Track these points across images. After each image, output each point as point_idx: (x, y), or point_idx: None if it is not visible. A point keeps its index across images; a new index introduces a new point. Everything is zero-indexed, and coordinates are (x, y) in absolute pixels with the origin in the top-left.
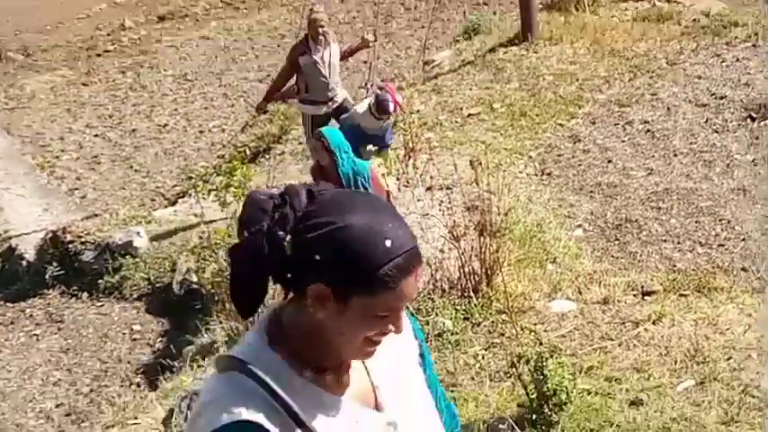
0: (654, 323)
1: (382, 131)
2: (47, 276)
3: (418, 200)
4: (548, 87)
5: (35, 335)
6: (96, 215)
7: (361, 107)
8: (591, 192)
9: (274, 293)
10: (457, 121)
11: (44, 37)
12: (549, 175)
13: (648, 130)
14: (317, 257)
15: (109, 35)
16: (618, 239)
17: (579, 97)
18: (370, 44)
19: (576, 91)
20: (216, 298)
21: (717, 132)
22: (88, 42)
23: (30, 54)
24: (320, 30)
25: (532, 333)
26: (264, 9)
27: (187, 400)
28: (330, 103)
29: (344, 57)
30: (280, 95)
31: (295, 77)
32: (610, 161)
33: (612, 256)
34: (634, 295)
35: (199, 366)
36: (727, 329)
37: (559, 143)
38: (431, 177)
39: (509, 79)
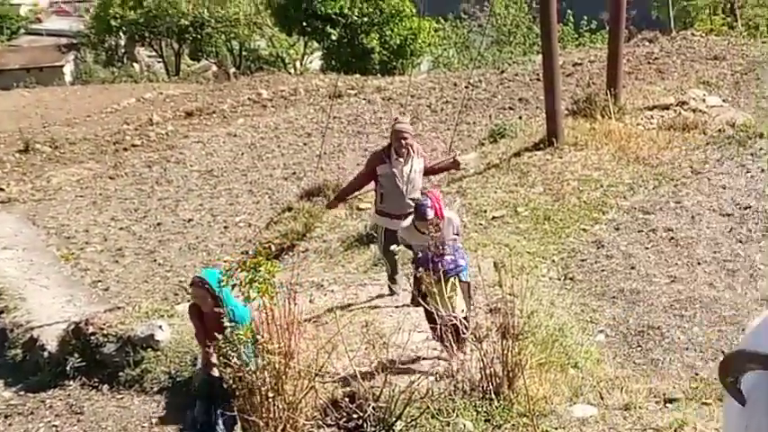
0: (675, 431)
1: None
2: (68, 368)
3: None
4: (572, 192)
5: (54, 426)
6: (119, 308)
7: (405, 222)
8: (614, 297)
9: None
10: (481, 224)
11: (72, 130)
12: (572, 279)
13: (672, 238)
14: None
15: (136, 129)
16: (640, 346)
17: (603, 203)
18: (461, 167)
19: (601, 197)
20: (237, 393)
21: (741, 242)
22: (115, 136)
23: (57, 147)
24: (403, 142)
25: None
26: (291, 107)
27: None
28: (405, 219)
29: (429, 173)
30: (351, 197)
31: (373, 185)
32: (633, 267)
33: (634, 363)
34: (656, 402)
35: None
36: None
37: (583, 248)
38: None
39: (534, 183)
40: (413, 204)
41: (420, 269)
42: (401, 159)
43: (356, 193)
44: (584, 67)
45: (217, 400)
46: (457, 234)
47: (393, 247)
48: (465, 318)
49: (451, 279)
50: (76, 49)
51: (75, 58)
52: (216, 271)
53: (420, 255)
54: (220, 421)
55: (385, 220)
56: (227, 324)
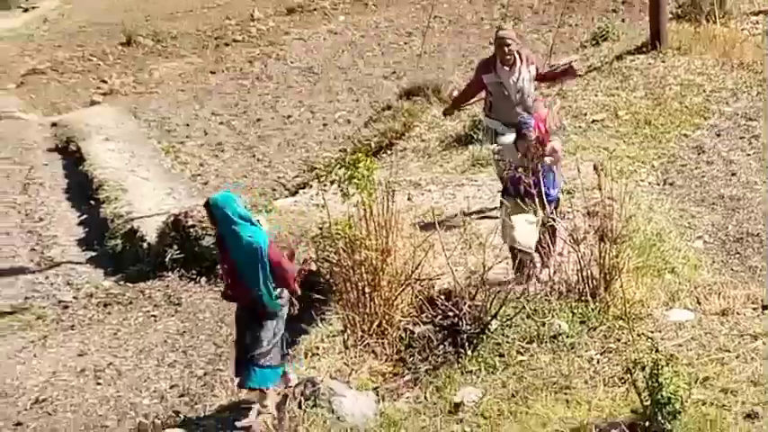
0: None
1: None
2: (167, 259)
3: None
4: (674, 97)
5: (153, 316)
6: None
7: (508, 137)
8: (713, 204)
9: None
10: (581, 127)
11: (174, 24)
12: (671, 185)
13: None
14: None
15: (238, 25)
16: (738, 253)
17: (705, 109)
18: (578, 73)
19: (703, 102)
20: (333, 288)
21: None
22: (217, 32)
23: (159, 40)
24: (506, 49)
25: (649, 340)
26: (393, 6)
27: (301, 386)
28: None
29: (543, 80)
30: (466, 104)
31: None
32: (734, 174)
33: (732, 269)
34: (753, 308)
35: (314, 355)
36: None
37: (683, 154)
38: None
39: (635, 87)
40: (525, 112)
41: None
42: (506, 68)
43: (471, 100)
44: None
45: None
46: (555, 163)
47: (493, 146)
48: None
49: (531, 206)
50: None
51: None
52: (229, 195)
53: (509, 173)
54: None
55: (496, 123)
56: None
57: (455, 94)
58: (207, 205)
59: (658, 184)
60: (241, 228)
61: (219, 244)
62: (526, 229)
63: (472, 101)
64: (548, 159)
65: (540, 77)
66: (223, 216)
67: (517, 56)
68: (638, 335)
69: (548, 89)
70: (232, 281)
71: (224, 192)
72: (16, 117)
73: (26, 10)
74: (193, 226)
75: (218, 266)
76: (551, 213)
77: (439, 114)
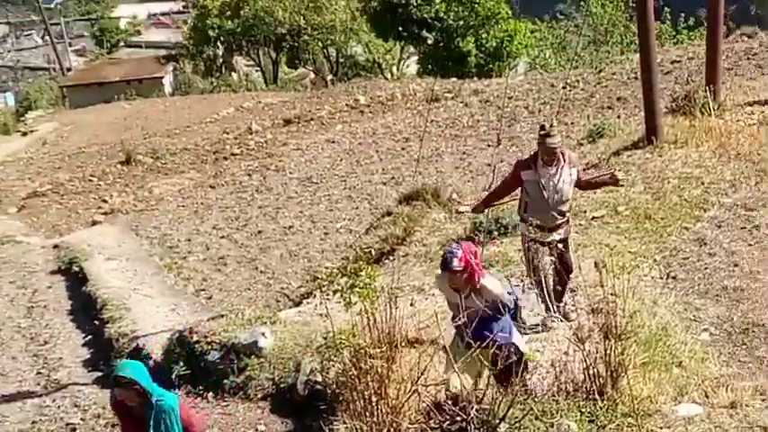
0: None
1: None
2: (173, 376)
3: (543, 302)
4: (673, 191)
5: None
6: (222, 316)
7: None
8: (717, 295)
9: None
10: (581, 224)
11: (172, 141)
12: (674, 278)
13: None
14: None
15: (236, 138)
16: (745, 344)
17: (705, 201)
18: (620, 183)
19: (702, 194)
20: (340, 398)
21: None
22: (215, 146)
23: (158, 157)
24: (550, 150)
25: None
26: (389, 112)
27: None
28: (548, 233)
29: (583, 187)
30: (497, 203)
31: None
32: (736, 265)
33: (740, 361)
34: (762, 400)
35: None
36: None
37: (685, 246)
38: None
39: (633, 182)
40: (558, 217)
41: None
42: (548, 168)
43: (502, 200)
44: (682, 64)
45: None
46: (502, 309)
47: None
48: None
49: (483, 351)
50: (175, 61)
51: (174, 70)
52: (138, 363)
53: (452, 314)
54: None
55: (524, 227)
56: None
57: (455, 197)
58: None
59: (661, 278)
60: (153, 391)
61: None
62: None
63: (505, 200)
64: (477, 301)
65: (581, 185)
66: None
67: (560, 155)
68: (648, 431)
69: None
70: None
71: (131, 361)
72: (18, 241)
73: (25, 134)
74: (198, 341)
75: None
76: (504, 359)
77: (439, 218)
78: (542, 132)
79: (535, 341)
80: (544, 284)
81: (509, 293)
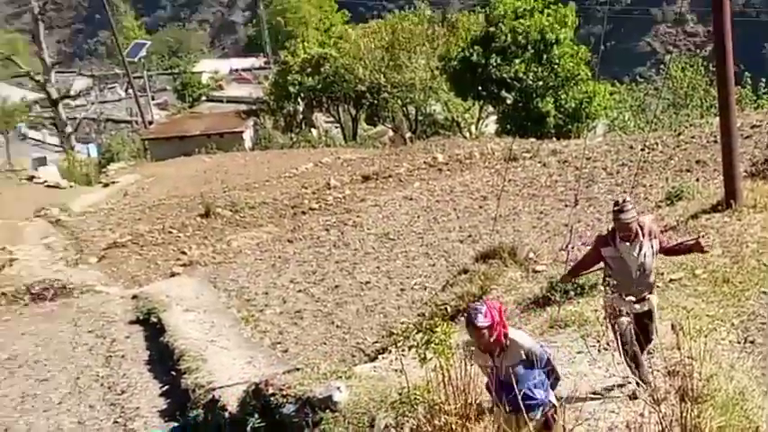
0: None
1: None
2: (248, 428)
3: (618, 363)
4: (751, 255)
5: None
6: (297, 369)
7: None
8: None
9: None
10: (658, 286)
11: (251, 194)
12: (752, 342)
13: None
14: None
15: (314, 194)
16: None
17: None
18: (706, 250)
19: None
20: None
21: None
22: (294, 200)
23: (237, 211)
24: (625, 226)
25: None
26: (467, 171)
27: None
28: (634, 305)
29: (670, 253)
30: (583, 273)
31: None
32: None
33: None
34: None
35: None
36: None
37: (763, 311)
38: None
39: (711, 246)
40: (645, 290)
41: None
42: (627, 243)
43: (589, 270)
44: (762, 128)
45: None
46: (533, 366)
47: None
48: None
49: (520, 419)
50: (256, 116)
51: (254, 124)
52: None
53: (487, 378)
54: None
55: (616, 298)
56: None
57: (532, 256)
58: None
59: (739, 343)
60: None
61: None
62: None
63: (592, 269)
64: (508, 359)
65: (666, 251)
66: None
67: (639, 229)
68: None
69: None
70: None
71: None
72: (98, 291)
73: (107, 185)
74: (274, 394)
75: None
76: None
77: (515, 277)
78: (616, 208)
79: (610, 402)
80: (629, 351)
81: (541, 346)
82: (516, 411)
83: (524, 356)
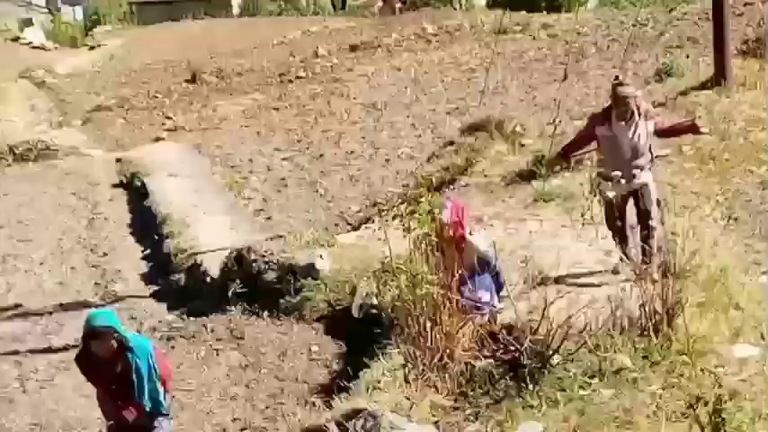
0: None
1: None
2: (229, 293)
3: (602, 237)
4: (739, 133)
5: (216, 349)
6: (281, 236)
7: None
8: None
9: None
10: None
11: (238, 61)
12: (735, 220)
13: None
14: None
15: (302, 62)
16: None
17: None
18: (701, 130)
19: None
20: (395, 323)
21: None
22: (281, 68)
23: (223, 77)
24: (624, 108)
25: (712, 376)
26: (456, 43)
27: (362, 420)
28: (623, 185)
29: (663, 135)
30: (574, 156)
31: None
32: None
33: None
34: None
35: (375, 389)
36: None
37: (748, 189)
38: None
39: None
40: (636, 171)
41: None
42: (623, 122)
43: (579, 152)
44: (755, 6)
45: None
46: (487, 270)
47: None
48: None
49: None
50: None
51: None
52: (109, 311)
53: None
54: None
55: (605, 185)
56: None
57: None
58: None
59: (723, 220)
60: (130, 337)
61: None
62: None
63: (581, 152)
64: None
65: (661, 133)
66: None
67: (635, 110)
68: (702, 370)
69: None
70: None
71: (102, 310)
72: (82, 153)
73: (92, 48)
74: (256, 260)
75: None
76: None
77: (501, 150)
78: (615, 82)
79: (592, 276)
80: (624, 236)
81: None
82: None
83: (477, 260)
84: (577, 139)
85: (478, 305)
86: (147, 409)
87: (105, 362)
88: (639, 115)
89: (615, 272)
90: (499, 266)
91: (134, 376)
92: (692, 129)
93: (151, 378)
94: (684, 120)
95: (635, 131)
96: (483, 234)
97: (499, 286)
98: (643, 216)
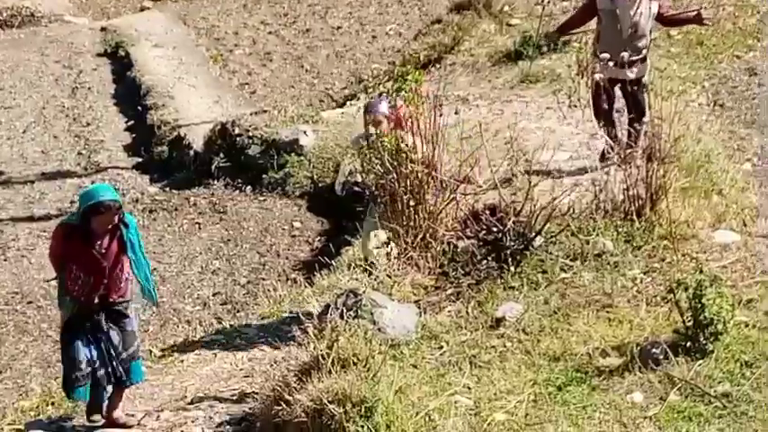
0: None
1: None
2: (213, 167)
3: (588, 120)
4: (727, 18)
5: (198, 223)
6: (265, 111)
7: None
8: (763, 126)
9: None
10: None
11: None
12: (721, 106)
13: None
14: None
15: None
16: None
17: (759, 30)
18: (706, 22)
19: (757, 24)
20: (378, 201)
21: None
22: None
23: None
24: None
25: (693, 261)
26: None
27: (343, 297)
28: (620, 69)
29: (665, 22)
30: (573, 32)
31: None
32: None
33: None
34: None
35: (356, 266)
36: None
37: (735, 75)
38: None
39: (688, 6)
40: (634, 54)
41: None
42: None
43: (579, 28)
44: None
45: None
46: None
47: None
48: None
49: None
50: None
51: None
52: (106, 185)
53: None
54: None
55: (599, 65)
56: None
57: (506, 9)
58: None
59: (708, 105)
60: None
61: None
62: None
63: (580, 29)
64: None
65: (664, 20)
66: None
67: None
68: (683, 255)
69: None
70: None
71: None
72: (66, 21)
73: None
74: (240, 135)
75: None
76: None
77: (489, 29)
78: None
79: (577, 159)
80: (610, 119)
81: None
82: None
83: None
84: (578, 13)
85: None
86: (143, 288)
87: (96, 238)
88: None
89: (602, 157)
90: None
91: (131, 252)
92: (697, 20)
93: (144, 255)
94: (690, 9)
95: (637, 9)
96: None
97: None
98: (636, 113)
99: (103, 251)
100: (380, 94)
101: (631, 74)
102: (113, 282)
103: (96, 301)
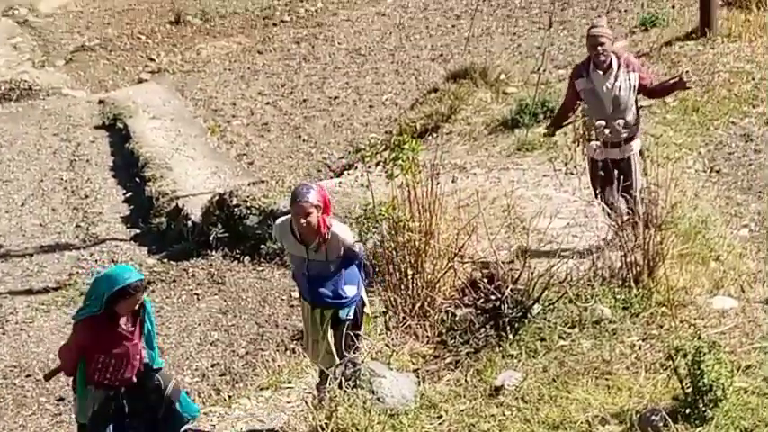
0: None
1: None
2: (211, 238)
3: (585, 187)
4: (722, 84)
5: (196, 294)
6: (263, 181)
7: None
8: (759, 192)
9: None
10: None
11: (222, 3)
12: (717, 172)
13: None
14: None
15: (286, 5)
16: None
17: (754, 96)
18: (688, 86)
19: (752, 90)
20: (376, 270)
21: None
22: (265, 11)
23: (207, 19)
24: (599, 49)
25: (692, 327)
26: None
27: (341, 367)
28: (607, 147)
29: (649, 94)
30: (567, 122)
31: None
32: None
33: None
34: None
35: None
36: None
37: (731, 141)
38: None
39: (695, 82)
40: (622, 130)
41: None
42: (600, 72)
43: (571, 116)
44: None
45: None
46: (350, 263)
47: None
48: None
49: (325, 311)
50: None
51: None
52: (126, 266)
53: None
54: None
55: (587, 146)
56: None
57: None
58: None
59: (705, 172)
60: None
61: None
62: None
63: (570, 121)
64: (326, 254)
65: (648, 92)
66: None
67: (614, 58)
68: (681, 321)
69: None
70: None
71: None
72: (64, 94)
73: None
74: (238, 205)
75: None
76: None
77: (485, 98)
78: (588, 26)
79: (574, 227)
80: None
81: (357, 242)
82: (322, 307)
83: (342, 252)
84: (564, 102)
85: (342, 302)
86: (150, 363)
87: (119, 318)
88: (619, 65)
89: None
90: (364, 258)
91: (146, 329)
92: (680, 84)
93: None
94: (670, 77)
95: (615, 81)
96: (345, 226)
97: (365, 276)
98: (625, 179)
99: (132, 329)
100: (306, 183)
101: (620, 154)
102: (136, 358)
103: (126, 377)
